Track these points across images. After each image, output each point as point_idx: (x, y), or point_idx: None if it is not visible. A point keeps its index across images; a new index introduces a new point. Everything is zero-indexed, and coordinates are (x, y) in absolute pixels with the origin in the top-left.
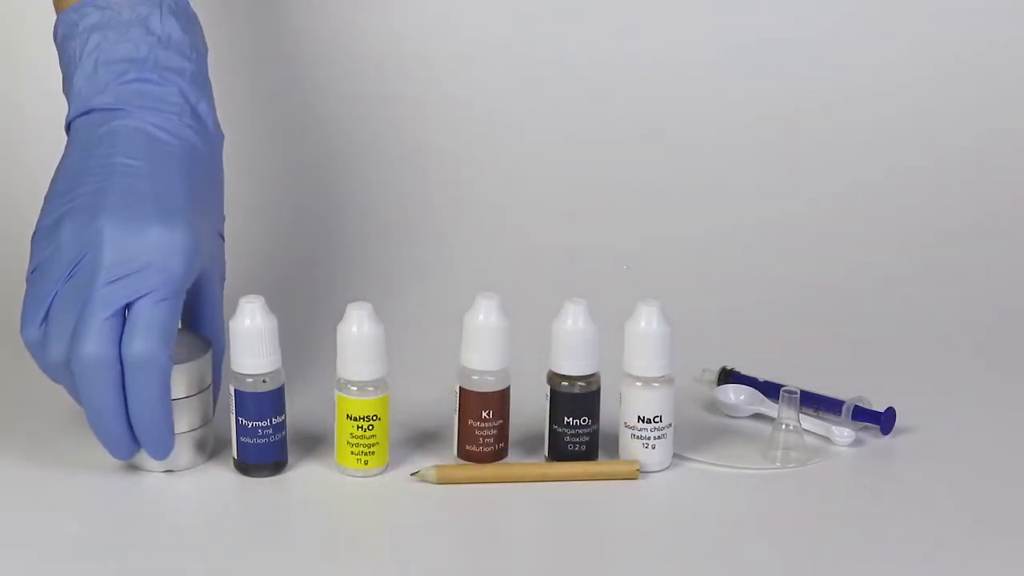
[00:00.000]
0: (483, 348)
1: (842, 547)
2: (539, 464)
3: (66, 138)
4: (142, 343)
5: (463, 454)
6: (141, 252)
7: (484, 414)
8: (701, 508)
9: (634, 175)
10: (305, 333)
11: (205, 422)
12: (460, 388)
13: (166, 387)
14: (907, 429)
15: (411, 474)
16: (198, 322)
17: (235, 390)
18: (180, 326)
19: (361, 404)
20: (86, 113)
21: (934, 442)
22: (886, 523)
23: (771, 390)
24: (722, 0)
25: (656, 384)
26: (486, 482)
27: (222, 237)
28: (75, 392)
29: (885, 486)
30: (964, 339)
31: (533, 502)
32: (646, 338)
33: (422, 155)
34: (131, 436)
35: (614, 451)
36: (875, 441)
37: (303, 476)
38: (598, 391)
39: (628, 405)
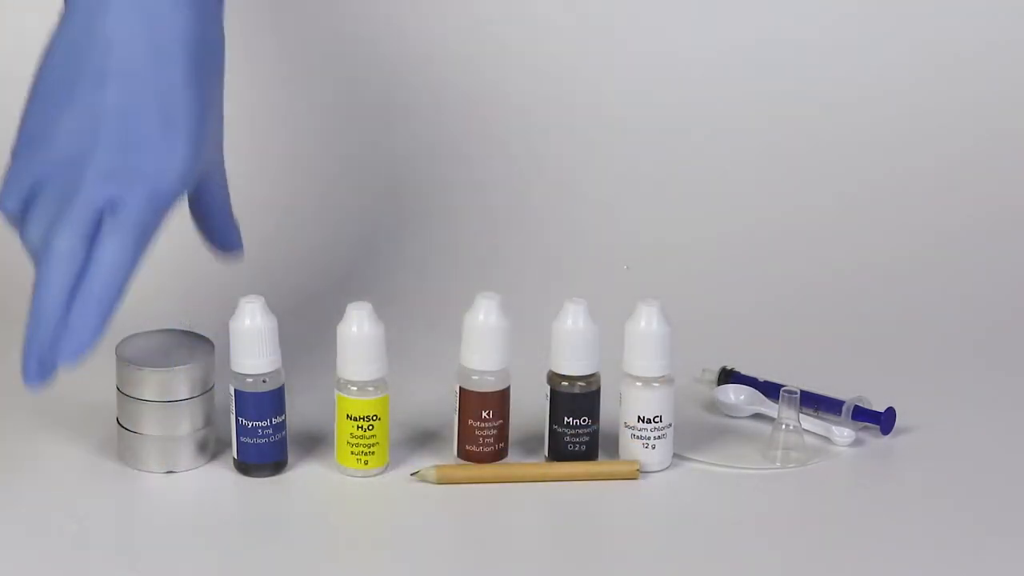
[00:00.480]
0: (483, 348)
1: (842, 547)
2: (539, 464)
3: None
4: (117, 243)
5: (463, 454)
6: (137, 155)
7: (484, 414)
8: (701, 508)
9: (634, 175)
10: (305, 333)
11: (207, 424)
12: (460, 388)
13: (119, 294)
14: (907, 429)
15: (411, 474)
16: (205, 217)
17: (235, 390)
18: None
19: (361, 404)
20: None
21: (934, 442)
22: (886, 523)
23: (771, 390)
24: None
25: (656, 384)
26: (486, 482)
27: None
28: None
29: (885, 486)
30: (964, 339)
31: (533, 502)
32: (646, 338)
33: (423, 155)
34: (52, 330)
35: (614, 451)
36: (875, 441)
37: (303, 476)
38: (598, 391)
39: (628, 405)
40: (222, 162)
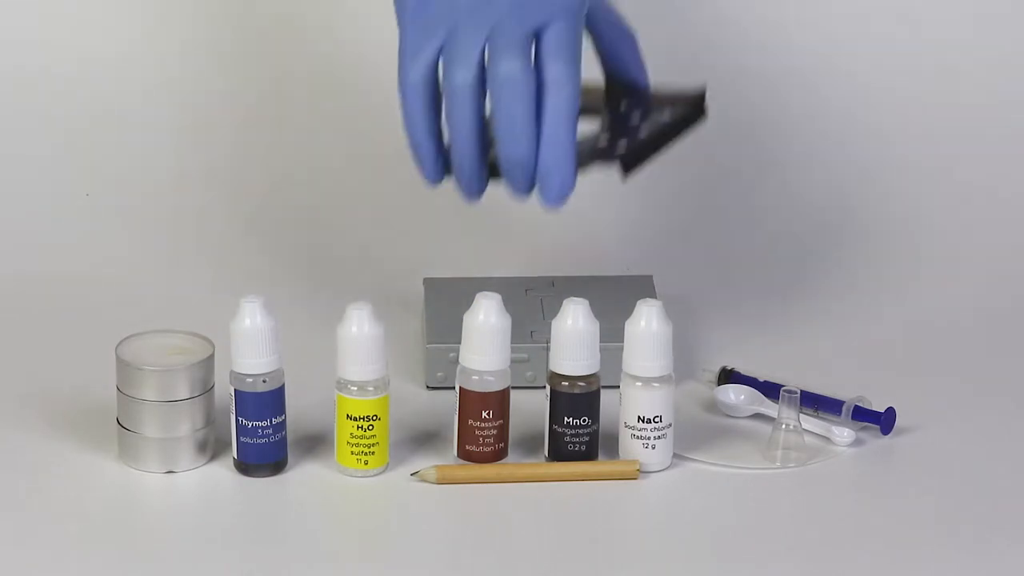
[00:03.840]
0: (483, 348)
1: (842, 547)
2: (539, 464)
3: None
4: (558, 64)
5: (463, 454)
6: None
7: (484, 414)
8: (701, 508)
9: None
10: (305, 333)
11: (207, 424)
12: (460, 388)
13: (576, 112)
14: (907, 429)
15: (411, 474)
16: (605, 33)
17: (235, 390)
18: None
19: (361, 404)
20: None
21: (934, 442)
22: (886, 523)
23: (771, 390)
24: None
25: (656, 384)
26: (486, 482)
27: None
28: (462, 123)
29: (885, 486)
30: (964, 339)
31: (533, 502)
32: (646, 338)
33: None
34: (535, 160)
35: (614, 451)
36: (875, 441)
37: (303, 476)
38: (598, 391)
39: (628, 405)
40: None
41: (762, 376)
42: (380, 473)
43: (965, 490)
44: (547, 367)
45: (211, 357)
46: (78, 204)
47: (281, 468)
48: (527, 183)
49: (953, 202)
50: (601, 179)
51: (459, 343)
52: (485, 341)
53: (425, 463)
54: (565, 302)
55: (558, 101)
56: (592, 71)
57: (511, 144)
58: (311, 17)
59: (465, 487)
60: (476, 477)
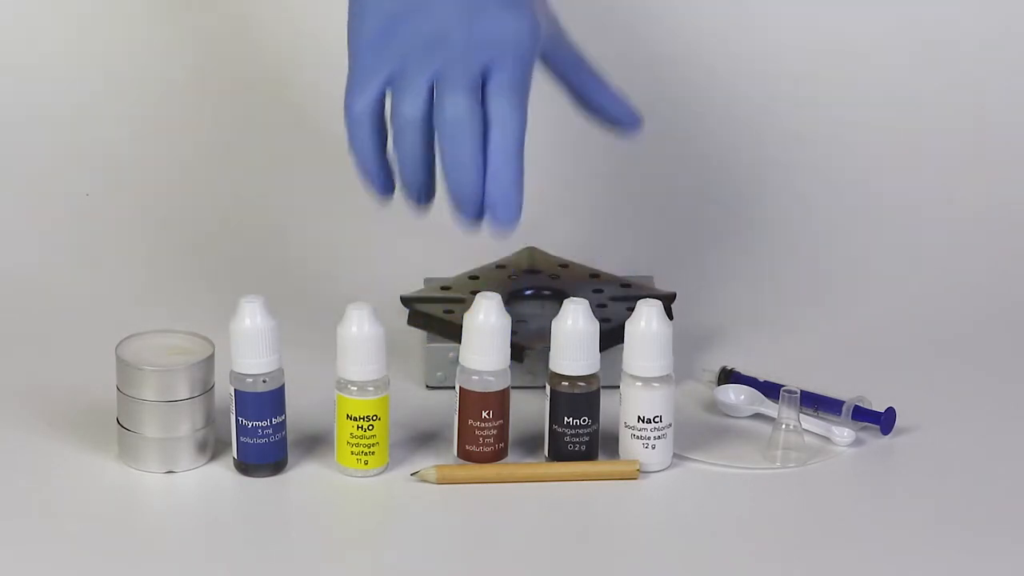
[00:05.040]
0: (483, 348)
1: (842, 547)
2: (539, 464)
3: None
4: (504, 104)
5: (463, 454)
6: (494, 29)
7: (484, 414)
8: (701, 508)
9: (632, 175)
10: (305, 333)
11: (207, 424)
12: (460, 388)
13: (522, 146)
14: (907, 429)
15: (411, 474)
16: (569, 75)
17: (235, 390)
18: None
19: (361, 404)
20: None
21: (934, 442)
22: (886, 523)
23: (771, 390)
24: None
25: (656, 384)
26: (486, 482)
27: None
28: (411, 152)
29: (885, 486)
30: (964, 339)
31: (533, 502)
32: (646, 338)
33: None
34: (482, 193)
35: (614, 451)
36: (875, 441)
37: (303, 476)
38: (598, 391)
39: (628, 405)
40: (562, 31)
41: (762, 376)
42: (380, 473)
43: (965, 490)
44: (547, 367)
45: (211, 357)
46: (78, 204)
47: (281, 468)
48: (475, 215)
49: (953, 202)
50: (601, 179)
51: (459, 343)
52: (485, 341)
53: (425, 463)
54: (565, 302)
55: (504, 138)
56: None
57: (458, 179)
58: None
59: (465, 487)
60: (476, 477)
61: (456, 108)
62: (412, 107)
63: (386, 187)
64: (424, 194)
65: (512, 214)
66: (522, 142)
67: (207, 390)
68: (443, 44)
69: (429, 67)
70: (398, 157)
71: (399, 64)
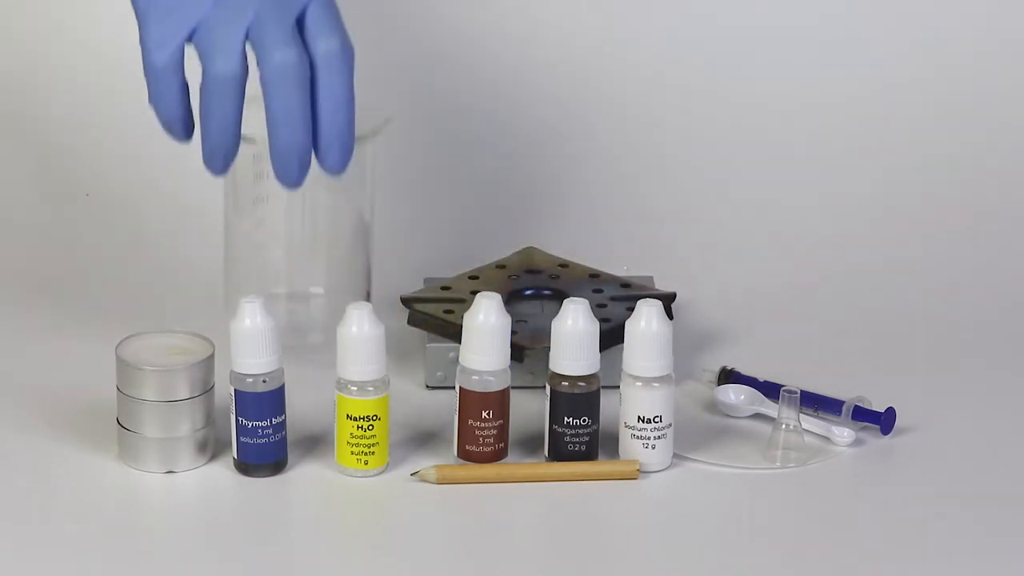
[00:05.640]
0: (483, 348)
1: (842, 547)
2: (539, 464)
3: None
4: (331, 40)
5: (463, 454)
6: None
7: (484, 414)
8: (701, 508)
9: (632, 175)
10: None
11: (207, 424)
12: (460, 388)
13: (352, 84)
14: (907, 429)
15: (411, 474)
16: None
17: (235, 390)
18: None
19: (361, 404)
20: None
21: (934, 442)
22: (886, 523)
23: (771, 390)
24: None
25: (656, 384)
26: (486, 482)
27: None
28: (222, 114)
29: (885, 486)
30: (964, 339)
31: (533, 502)
32: (646, 338)
33: (422, 155)
34: (310, 146)
35: (614, 451)
36: (875, 441)
37: (303, 476)
38: (598, 391)
39: (628, 405)
40: None
41: (762, 376)
42: (380, 473)
43: (965, 490)
44: (547, 368)
45: (211, 357)
46: (78, 204)
47: (281, 468)
48: (302, 171)
49: (953, 201)
50: (601, 179)
51: (459, 343)
52: (485, 341)
53: (425, 463)
54: (565, 302)
55: (334, 79)
56: None
57: (289, 133)
58: None
59: (465, 487)
60: (476, 477)
61: (285, 58)
62: (226, 65)
63: (188, 132)
64: (229, 158)
65: (346, 157)
66: (352, 78)
67: (207, 390)
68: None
69: (238, 20)
70: (205, 120)
71: (200, 18)
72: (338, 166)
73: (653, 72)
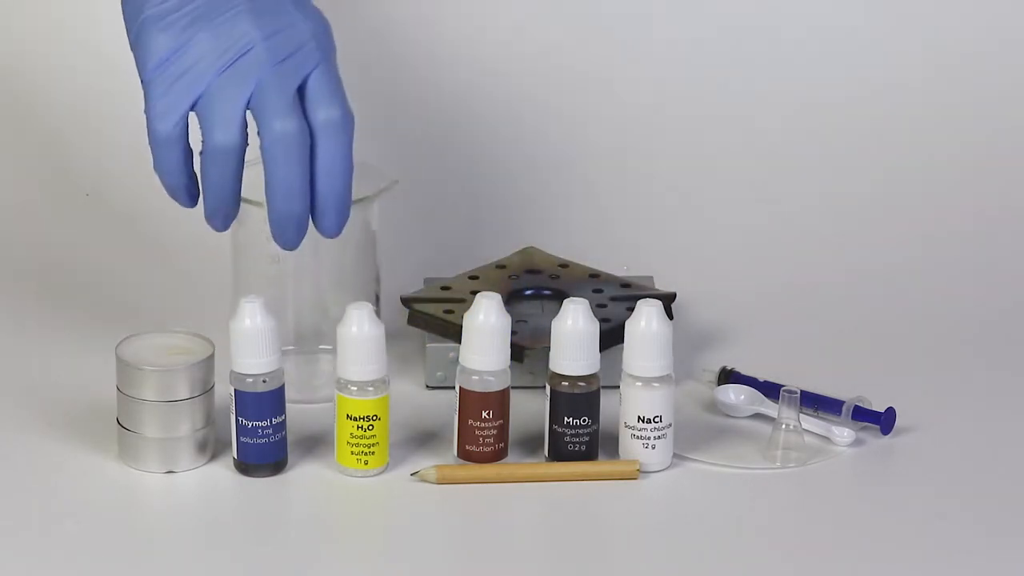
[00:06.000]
0: (483, 348)
1: (842, 547)
2: (539, 464)
3: None
4: (332, 109)
5: (463, 454)
6: (295, 35)
7: (484, 414)
8: (701, 508)
9: (632, 175)
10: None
11: (207, 424)
12: (460, 388)
13: (351, 152)
14: (907, 429)
15: (411, 474)
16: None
17: (235, 390)
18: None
19: (361, 404)
20: None
21: (934, 442)
22: (886, 523)
23: (771, 390)
24: None
25: (656, 384)
26: (486, 482)
27: None
28: (220, 181)
29: (885, 486)
30: (964, 339)
31: (533, 502)
32: (646, 338)
33: (420, 155)
34: (308, 214)
35: (614, 451)
36: (875, 441)
37: (303, 476)
38: (598, 391)
39: (628, 405)
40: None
41: (762, 376)
42: (380, 473)
43: (965, 490)
44: (548, 368)
45: (211, 357)
46: (78, 204)
47: (281, 468)
48: (299, 236)
49: (953, 202)
50: (601, 179)
51: (459, 343)
52: (485, 341)
53: (425, 463)
54: (565, 302)
55: (334, 144)
56: None
57: (288, 202)
58: None
59: (465, 487)
60: (476, 477)
61: (285, 129)
62: (225, 137)
63: (193, 199)
64: (229, 218)
65: (341, 222)
66: (351, 146)
67: (207, 390)
68: (248, 62)
69: (240, 89)
70: (205, 185)
71: (204, 87)
72: (333, 230)
73: (653, 72)
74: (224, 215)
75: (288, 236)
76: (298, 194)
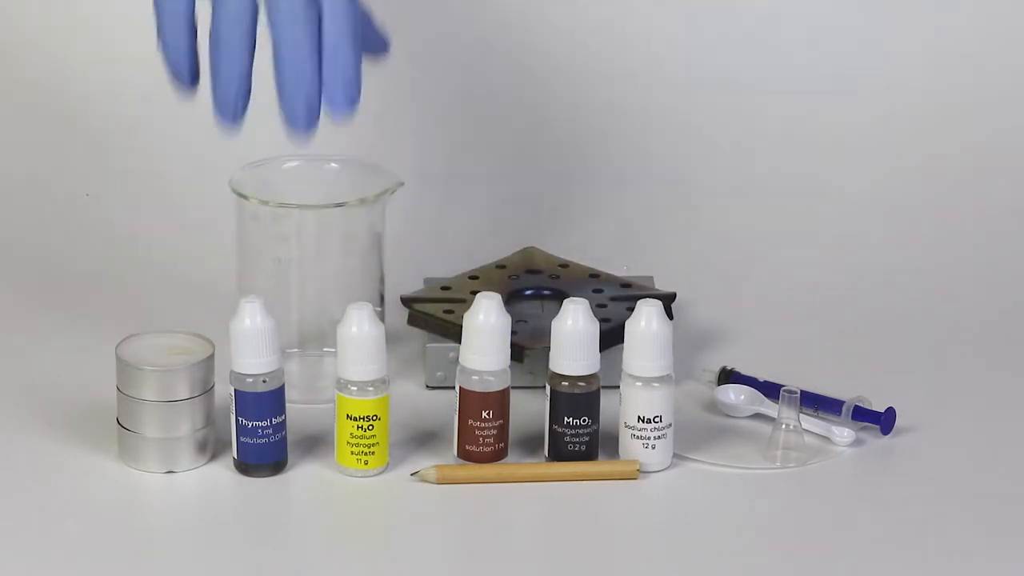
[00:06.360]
0: (483, 348)
1: (842, 547)
2: (539, 464)
3: None
4: None
5: (463, 454)
6: None
7: (484, 414)
8: (701, 508)
9: (632, 176)
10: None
11: (207, 424)
12: (460, 388)
13: (356, 31)
14: (907, 429)
15: (411, 474)
16: None
17: (235, 390)
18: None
19: (361, 404)
20: None
21: (934, 442)
22: (886, 523)
23: (771, 390)
24: None
25: (656, 384)
26: (486, 482)
27: None
28: (231, 55)
29: (885, 486)
30: (964, 339)
31: (533, 502)
32: (646, 338)
33: (422, 155)
34: (318, 90)
35: (614, 451)
36: (875, 441)
37: (303, 476)
38: (598, 391)
39: (628, 405)
40: None
41: (762, 376)
42: (380, 473)
43: (965, 490)
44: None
45: (211, 357)
46: (78, 204)
47: (281, 468)
48: (310, 116)
49: (953, 202)
50: (601, 179)
51: (459, 343)
52: (485, 341)
53: (425, 463)
54: (565, 302)
55: (336, 23)
56: None
57: (296, 71)
58: None
59: (465, 487)
60: (476, 477)
61: (292, 3)
62: (239, 3)
63: (194, 80)
64: (240, 107)
65: (352, 95)
66: (355, 25)
67: (207, 390)
68: None
69: None
70: (215, 64)
71: None
72: (343, 106)
73: (653, 73)
74: (234, 101)
75: (298, 114)
76: (307, 64)
